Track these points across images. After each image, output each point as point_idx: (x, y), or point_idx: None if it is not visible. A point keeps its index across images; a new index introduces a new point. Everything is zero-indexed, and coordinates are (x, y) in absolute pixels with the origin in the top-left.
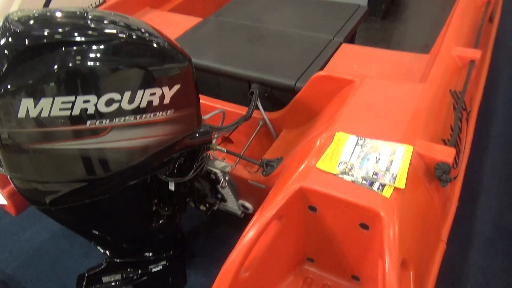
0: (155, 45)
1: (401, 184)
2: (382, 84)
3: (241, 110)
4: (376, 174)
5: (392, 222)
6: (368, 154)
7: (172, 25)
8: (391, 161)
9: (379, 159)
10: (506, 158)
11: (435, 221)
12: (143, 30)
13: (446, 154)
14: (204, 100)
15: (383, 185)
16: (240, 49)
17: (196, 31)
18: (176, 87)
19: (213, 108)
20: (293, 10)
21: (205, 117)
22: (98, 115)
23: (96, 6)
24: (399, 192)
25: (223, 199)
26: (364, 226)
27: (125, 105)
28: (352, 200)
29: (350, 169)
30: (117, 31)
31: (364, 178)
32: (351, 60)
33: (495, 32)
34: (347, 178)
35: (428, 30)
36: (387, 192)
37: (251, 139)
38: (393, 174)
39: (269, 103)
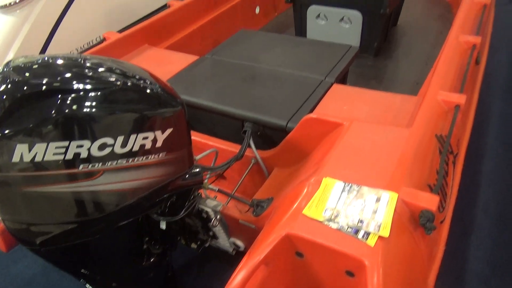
0: (149, 91)
1: (385, 232)
2: (370, 128)
3: (234, 148)
4: (361, 221)
5: (376, 270)
6: (354, 201)
7: (169, 63)
8: (376, 209)
9: (364, 206)
10: (498, 194)
11: (421, 268)
12: (137, 77)
13: (430, 201)
14: (198, 137)
15: (367, 233)
16: (234, 88)
17: (192, 69)
18: (169, 131)
19: (206, 145)
20: (286, 50)
21: (198, 157)
22: (91, 159)
23: (96, 44)
24: (384, 240)
25: (215, 237)
26: (350, 274)
27: (118, 149)
28: (337, 248)
29: (336, 216)
30: (113, 79)
31: (349, 226)
32: (342, 101)
33: (482, 74)
34: (333, 225)
35: (419, 67)
36: (372, 241)
37: (243, 177)
38: (377, 222)
39: (262, 141)
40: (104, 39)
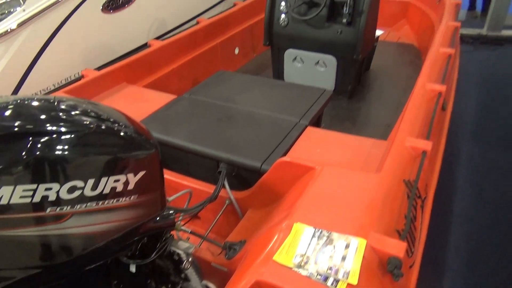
0: (122, 134)
1: (353, 280)
2: (341, 173)
3: (209, 189)
4: (330, 268)
5: None
6: (324, 247)
7: (147, 101)
8: (346, 255)
9: (334, 252)
10: (468, 234)
11: None
12: (112, 120)
13: (397, 248)
14: (172, 176)
15: (337, 281)
16: (210, 128)
17: (169, 108)
18: (142, 173)
19: (181, 185)
20: (262, 92)
21: (171, 198)
22: (59, 202)
23: (75, 80)
24: None
25: (187, 279)
26: None
27: (88, 192)
28: None
29: (306, 263)
30: (86, 121)
31: (318, 273)
32: (315, 144)
33: (449, 119)
34: (303, 272)
35: (390, 111)
36: None
37: (217, 218)
38: (346, 269)
39: (236, 182)
40: (82, 76)
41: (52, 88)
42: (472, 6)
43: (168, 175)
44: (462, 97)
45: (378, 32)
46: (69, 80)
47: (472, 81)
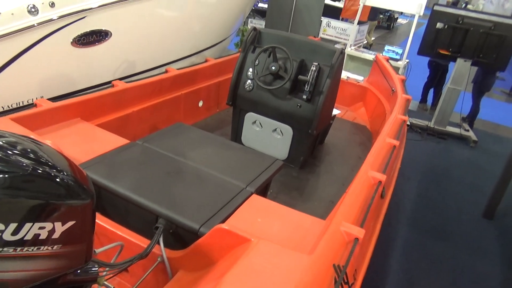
0: (59, 180)
1: None
2: (275, 250)
3: (143, 243)
4: None
5: None
6: None
7: (98, 141)
8: None
9: None
10: None
11: None
12: (51, 163)
13: None
14: (108, 224)
15: None
16: (157, 180)
17: (119, 153)
18: (71, 223)
19: (115, 235)
20: (216, 151)
21: (99, 250)
22: None
23: (26, 106)
24: None
25: None
26: None
27: (7, 236)
28: None
29: None
30: (23, 163)
31: None
32: (257, 213)
33: (387, 207)
34: None
35: (335, 187)
36: None
37: (145, 276)
38: None
39: (173, 240)
40: (35, 105)
41: (0, 110)
42: (423, 99)
43: (103, 222)
44: (405, 183)
45: (336, 111)
46: (20, 105)
47: (415, 168)
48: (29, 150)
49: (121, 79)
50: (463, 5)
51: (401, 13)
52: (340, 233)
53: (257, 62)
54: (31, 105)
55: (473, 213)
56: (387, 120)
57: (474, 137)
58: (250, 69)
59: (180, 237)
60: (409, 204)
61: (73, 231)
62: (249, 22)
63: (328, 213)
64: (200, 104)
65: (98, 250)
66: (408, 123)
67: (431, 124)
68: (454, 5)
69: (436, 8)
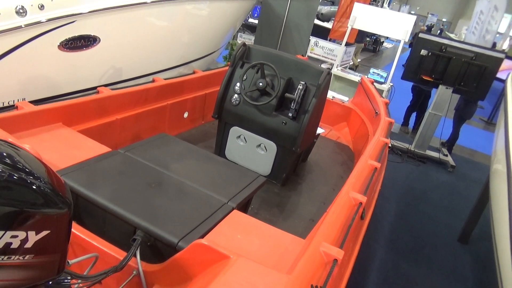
0: (35, 187)
1: None
2: (253, 268)
3: (119, 255)
4: None
5: None
6: None
7: (79, 148)
8: None
9: None
10: None
11: None
12: (28, 170)
13: None
14: (84, 234)
15: None
16: (137, 191)
17: (100, 161)
18: (45, 233)
19: (90, 245)
20: (199, 164)
21: (73, 260)
22: None
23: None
24: None
25: None
26: None
27: None
28: None
29: None
30: None
31: None
32: (237, 229)
33: (366, 228)
34: None
35: (316, 205)
36: None
37: None
38: None
39: (150, 253)
40: (16, 107)
41: None
42: (405, 123)
43: (79, 231)
44: (384, 204)
45: (320, 130)
46: (0, 106)
47: (395, 190)
48: (5, 154)
49: (106, 85)
50: (438, 32)
51: (387, 37)
52: (319, 254)
53: (245, 77)
54: (12, 107)
55: (448, 236)
56: (370, 142)
57: (452, 162)
58: (238, 84)
59: (158, 250)
60: (388, 225)
61: (47, 241)
62: (238, 36)
63: (308, 232)
64: (185, 115)
65: (71, 261)
66: (390, 145)
67: (412, 147)
68: (429, 31)
69: (421, 35)
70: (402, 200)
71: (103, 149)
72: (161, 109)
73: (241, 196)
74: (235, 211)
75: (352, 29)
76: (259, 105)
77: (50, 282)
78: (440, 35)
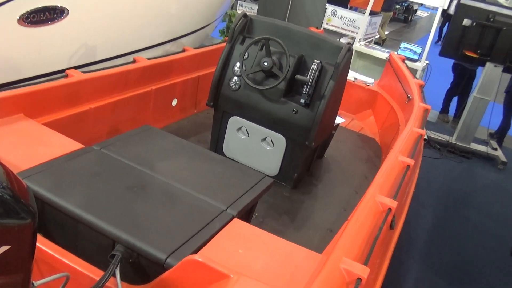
0: None
1: None
2: None
3: (95, 274)
4: None
5: None
6: None
7: (44, 144)
8: None
9: None
10: None
11: None
12: None
13: None
14: (52, 249)
15: None
16: (116, 197)
17: (70, 160)
18: (4, 248)
19: (60, 263)
20: (191, 162)
21: (39, 282)
22: None
23: None
24: None
25: None
26: None
27: None
28: None
29: None
30: None
31: None
32: (239, 242)
33: (396, 240)
34: None
35: (335, 212)
36: None
37: None
38: None
39: (132, 271)
40: None
41: None
42: (444, 109)
43: (46, 246)
44: (418, 210)
45: (339, 120)
46: None
47: (431, 192)
48: None
49: (77, 67)
50: None
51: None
52: (339, 271)
53: (246, 55)
54: None
55: (499, 250)
56: (401, 133)
57: (503, 158)
58: (238, 64)
59: (142, 268)
60: (423, 237)
61: (7, 258)
62: (238, 5)
63: (325, 245)
64: (174, 103)
65: (37, 282)
66: (426, 137)
67: (453, 140)
68: None
69: (464, 1)
70: (441, 205)
71: (74, 145)
72: (144, 96)
73: (243, 202)
74: (236, 220)
75: None
76: (264, 90)
77: None
78: (486, 1)
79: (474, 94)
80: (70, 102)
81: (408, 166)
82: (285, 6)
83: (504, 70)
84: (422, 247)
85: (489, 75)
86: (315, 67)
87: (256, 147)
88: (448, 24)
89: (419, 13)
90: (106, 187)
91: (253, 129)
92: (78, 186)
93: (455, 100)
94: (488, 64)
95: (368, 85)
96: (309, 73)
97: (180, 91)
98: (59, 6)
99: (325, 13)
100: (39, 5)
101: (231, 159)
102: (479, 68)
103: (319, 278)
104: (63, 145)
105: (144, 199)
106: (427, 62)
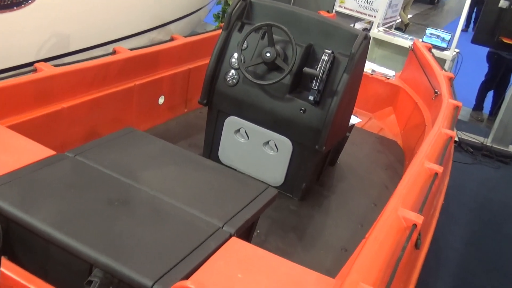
0: None
1: None
2: None
3: None
4: None
5: None
6: None
7: (9, 151)
8: None
9: None
10: None
11: None
12: None
13: None
14: (19, 275)
15: None
16: (93, 212)
17: (40, 169)
18: None
19: None
20: (181, 171)
21: None
22: None
23: None
24: None
25: None
26: None
27: None
28: None
29: None
30: None
31: None
32: (237, 265)
33: (423, 261)
34: None
35: (351, 229)
36: None
37: None
38: None
39: None
40: None
41: None
42: (478, 106)
43: (11, 271)
44: (448, 226)
45: (355, 120)
46: None
47: (463, 204)
48: None
49: (47, 60)
50: None
51: None
52: None
53: (245, 45)
54: None
55: None
56: (427, 135)
57: None
58: (235, 55)
59: None
60: (455, 258)
61: None
62: None
63: (339, 268)
64: (161, 100)
65: None
66: (456, 139)
67: (488, 142)
68: None
69: None
70: (476, 219)
71: (44, 152)
72: (126, 93)
73: (242, 218)
74: (234, 239)
75: None
76: (266, 85)
77: None
78: None
79: None
80: (40, 101)
81: (436, 174)
82: None
83: None
84: (453, 269)
85: None
86: (326, 58)
87: (257, 152)
88: (476, 9)
89: None
90: (82, 201)
91: (253, 131)
92: (49, 200)
93: (490, 95)
94: None
95: (388, 79)
96: (319, 65)
97: (168, 87)
98: None
99: None
100: None
101: (228, 166)
102: None
103: None
104: (31, 151)
105: (127, 215)
106: (457, 50)
